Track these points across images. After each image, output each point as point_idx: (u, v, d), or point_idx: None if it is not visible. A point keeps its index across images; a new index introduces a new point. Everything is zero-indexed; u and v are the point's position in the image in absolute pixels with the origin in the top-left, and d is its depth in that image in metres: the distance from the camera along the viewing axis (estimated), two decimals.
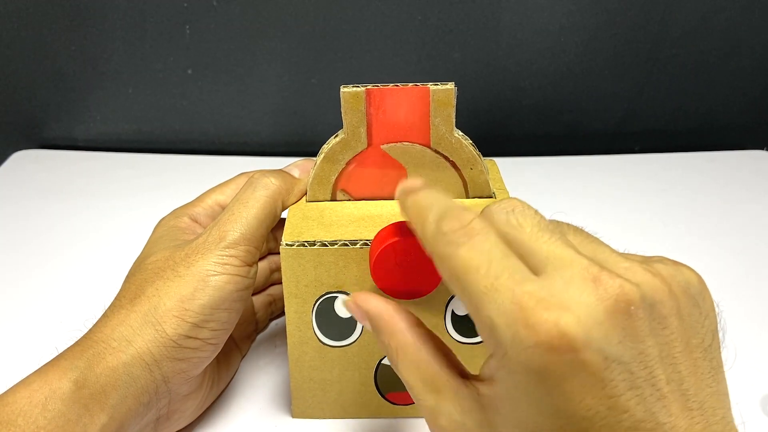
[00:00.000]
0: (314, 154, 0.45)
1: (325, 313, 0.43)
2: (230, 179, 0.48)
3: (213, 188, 0.48)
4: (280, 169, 0.46)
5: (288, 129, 0.85)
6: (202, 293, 0.40)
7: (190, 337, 0.39)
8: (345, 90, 0.42)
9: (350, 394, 0.46)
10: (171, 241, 0.43)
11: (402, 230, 0.39)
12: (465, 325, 0.43)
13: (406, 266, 0.39)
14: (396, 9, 0.76)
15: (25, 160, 0.82)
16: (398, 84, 0.42)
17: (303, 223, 0.43)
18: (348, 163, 0.44)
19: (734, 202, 0.74)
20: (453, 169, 0.44)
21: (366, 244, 0.40)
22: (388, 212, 0.44)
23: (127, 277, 0.43)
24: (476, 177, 0.44)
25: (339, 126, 0.43)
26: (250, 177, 0.45)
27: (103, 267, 0.63)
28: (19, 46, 0.78)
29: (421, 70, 0.79)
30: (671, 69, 0.81)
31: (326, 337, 0.44)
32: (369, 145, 0.43)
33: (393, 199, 0.45)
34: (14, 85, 0.81)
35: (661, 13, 0.77)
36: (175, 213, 0.47)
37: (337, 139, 0.43)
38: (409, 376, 0.33)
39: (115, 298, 0.41)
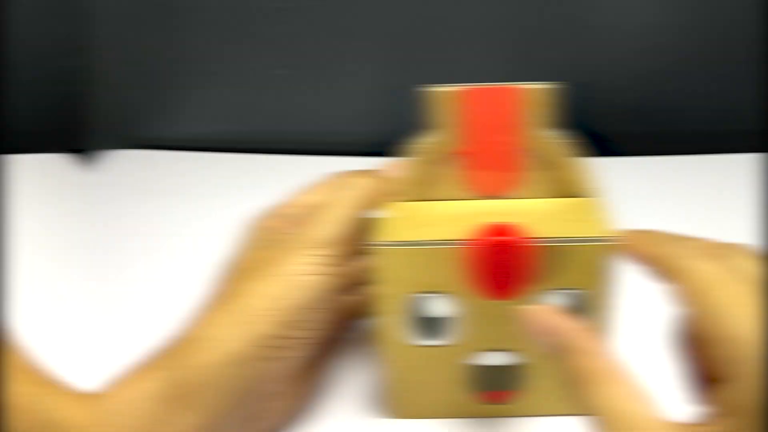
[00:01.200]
0: (405, 154, 0.45)
1: (417, 313, 0.42)
2: (321, 179, 0.48)
3: (304, 188, 0.48)
4: (372, 170, 0.46)
5: (379, 129, 0.84)
6: (292, 293, 0.40)
7: (281, 337, 0.40)
8: (436, 90, 0.42)
9: (445, 394, 0.46)
10: (262, 241, 0.44)
11: (500, 231, 0.38)
12: None
13: (502, 268, 0.38)
14: (487, 9, 0.75)
15: (122, 160, 0.84)
16: (491, 83, 0.41)
17: (395, 222, 0.43)
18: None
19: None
20: (545, 170, 0.44)
21: (460, 244, 0.40)
22: (483, 212, 0.43)
23: (219, 277, 0.43)
24: (568, 177, 0.44)
25: (430, 127, 0.43)
26: (342, 177, 0.45)
27: (194, 267, 0.63)
28: (117, 45, 0.80)
29: (515, 69, 0.78)
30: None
31: (418, 336, 0.43)
32: (462, 145, 0.43)
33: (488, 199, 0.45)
34: (110, 84, 0.83)
35: None
36: (266, 213, 0.47)
37: (429, 139, 0.43)
38: (604, 404, 0.31)
39: (207, 298, 0.42)
